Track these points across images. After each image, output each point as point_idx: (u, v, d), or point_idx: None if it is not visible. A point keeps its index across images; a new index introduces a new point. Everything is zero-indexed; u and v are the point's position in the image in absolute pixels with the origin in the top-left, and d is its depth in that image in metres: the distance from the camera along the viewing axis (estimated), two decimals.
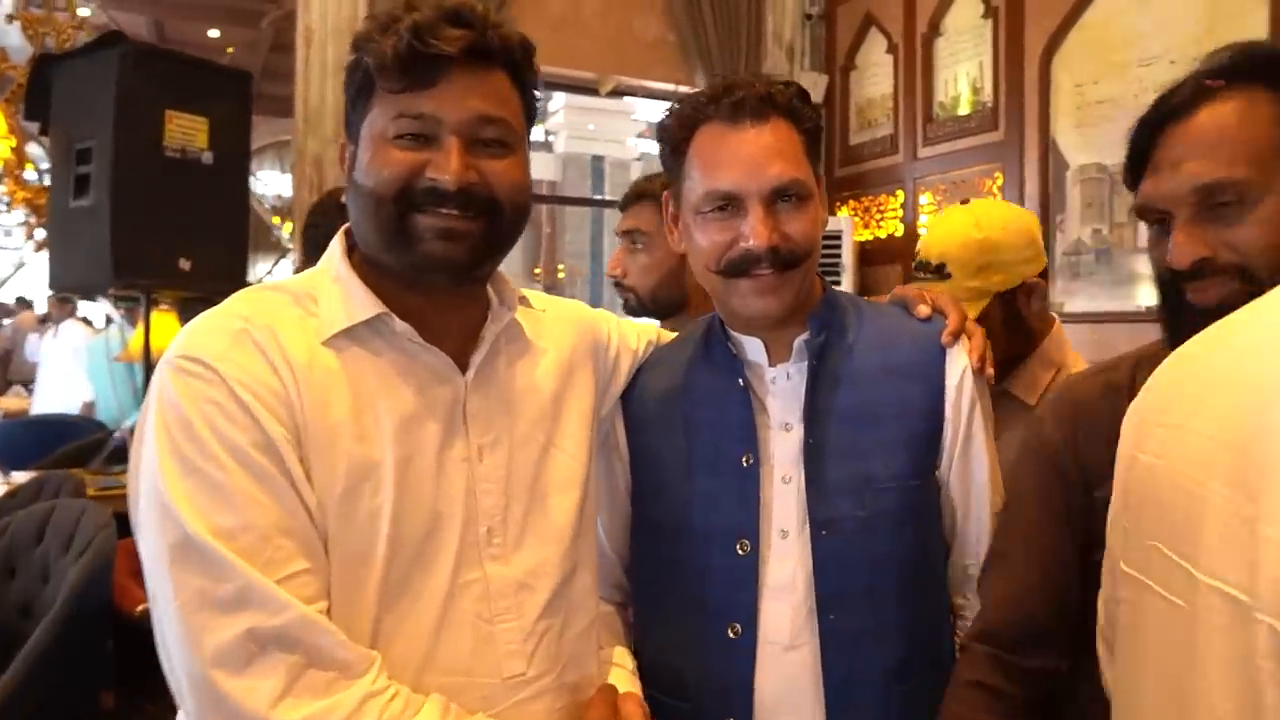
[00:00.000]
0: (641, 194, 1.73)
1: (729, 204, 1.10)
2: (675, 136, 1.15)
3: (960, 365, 1.15)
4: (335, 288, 0.98)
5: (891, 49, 4.35)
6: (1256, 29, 2.89)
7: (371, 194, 0.94)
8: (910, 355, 1.16)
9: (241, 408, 0.88)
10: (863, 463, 1.11)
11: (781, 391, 1.16)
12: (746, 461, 1.13)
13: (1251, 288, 0.85)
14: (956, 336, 1.16)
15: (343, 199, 1.04)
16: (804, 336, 1.15)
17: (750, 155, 1.09)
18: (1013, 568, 1.12)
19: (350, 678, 0.85)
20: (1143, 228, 3.36)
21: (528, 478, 1.03)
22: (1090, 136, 3.39)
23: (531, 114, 1.04)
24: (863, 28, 4.55)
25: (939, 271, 1.50)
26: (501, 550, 0.98)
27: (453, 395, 0.99)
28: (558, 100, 12.24)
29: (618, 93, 4.84)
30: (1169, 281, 0.97)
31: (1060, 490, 1.10)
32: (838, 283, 4.09)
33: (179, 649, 0.84)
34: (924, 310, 1.20)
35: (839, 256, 4.28)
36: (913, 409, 1.14)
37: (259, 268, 7.52)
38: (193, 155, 2.94)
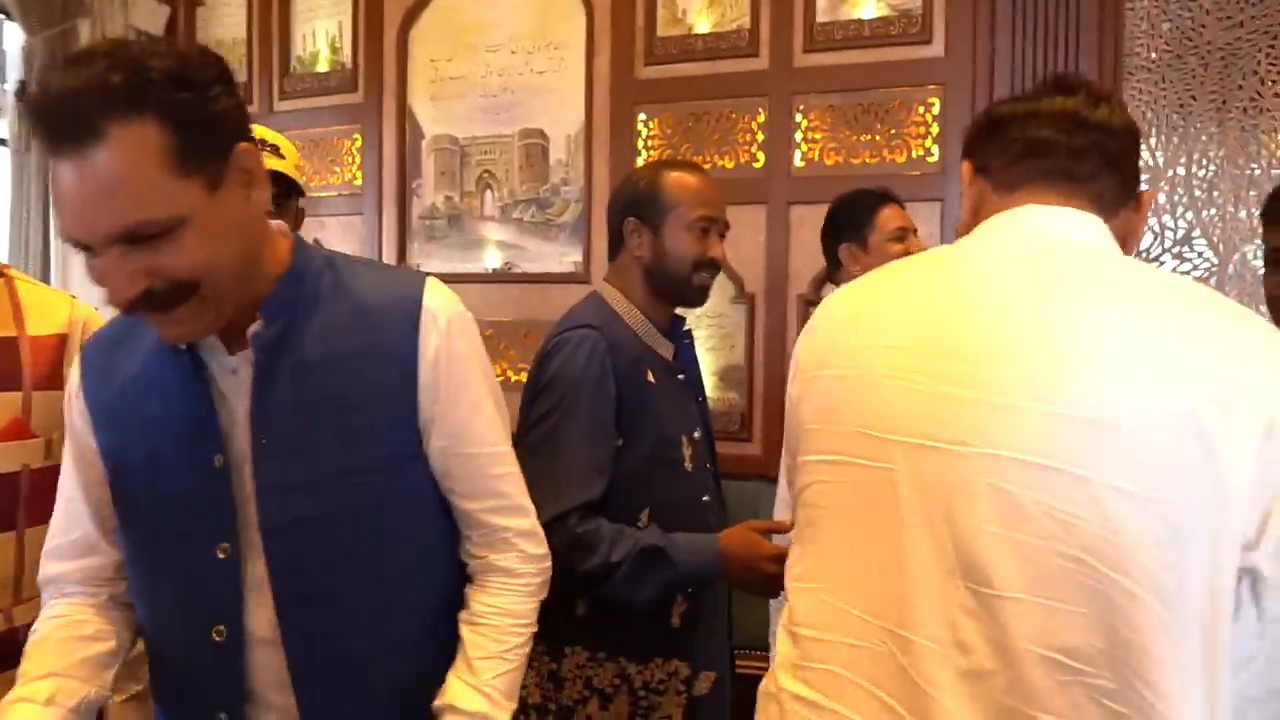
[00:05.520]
0: None
1: None
2: None
3: (434, 339, 1.07)
4: None
5: None
6: (576, 31, 3.42)
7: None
8: (383, 334, 1.06)
9: None
10: (320, 458, 1.01)
11: (241, 383, 1.02)
12: (218, 463, 1.00)
13: None
14: None
15: None
16: (255, 327, 1.01)
17: None
18: None
19: None
20: (488, 196, 3.69)
21: None
22: (444, 109, 3.63)
23: None
24: None
25: None
26: None
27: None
28: None
29: None
30: None
31: None
32: None
33: None
34: None
35: None
36: (386, 392, 1.05)
37: None
38: None
